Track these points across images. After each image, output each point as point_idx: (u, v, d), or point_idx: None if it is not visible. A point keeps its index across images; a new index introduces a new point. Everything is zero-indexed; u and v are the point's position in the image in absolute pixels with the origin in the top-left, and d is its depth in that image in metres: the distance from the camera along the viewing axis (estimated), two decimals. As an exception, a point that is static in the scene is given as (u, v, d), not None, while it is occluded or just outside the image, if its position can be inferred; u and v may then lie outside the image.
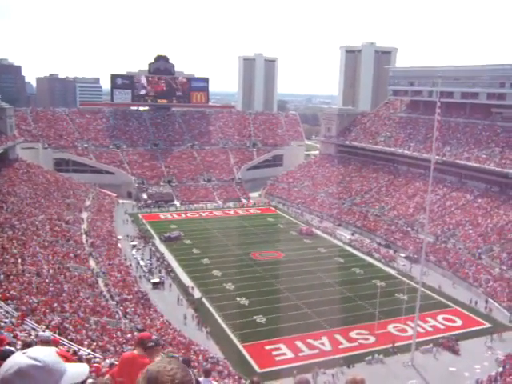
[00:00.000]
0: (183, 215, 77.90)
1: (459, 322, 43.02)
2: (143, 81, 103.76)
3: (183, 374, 2.28)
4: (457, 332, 40.78)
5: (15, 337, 15.05)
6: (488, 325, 42.46)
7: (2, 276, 31.93)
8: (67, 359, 2.50)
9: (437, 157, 55.97)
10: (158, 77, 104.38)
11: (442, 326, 42.05)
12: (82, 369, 2.57)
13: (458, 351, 37.75)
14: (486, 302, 46.28)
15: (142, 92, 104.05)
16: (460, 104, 79.72)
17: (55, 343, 13.51)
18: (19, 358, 2.29)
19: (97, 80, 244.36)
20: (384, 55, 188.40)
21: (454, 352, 37.70)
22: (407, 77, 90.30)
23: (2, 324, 18.59)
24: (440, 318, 43.55)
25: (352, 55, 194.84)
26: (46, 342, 11.23)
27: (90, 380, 7.08)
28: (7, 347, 7.78)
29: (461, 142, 75.09)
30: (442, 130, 69.85)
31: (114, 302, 39.86)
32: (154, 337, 5.87)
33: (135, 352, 5.69)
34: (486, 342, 38.95)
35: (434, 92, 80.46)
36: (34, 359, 2.29)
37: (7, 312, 23.48)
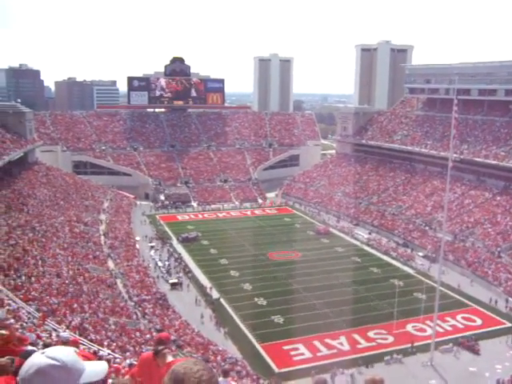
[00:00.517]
0: (200, 216, 78.20)
1: (479, 322, 42.53)
2: (159, 83, 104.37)
3: (209, 376, 2.27)
4: (477, 331, 40.32)
5: (39, 338, 15.31)
6: (509, 324, 41.92)
7: (23, 277, 32.43)
8: (87, 358, 2.57)
9: (454, 155, 55.54)
10: (174, 78, 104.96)
11: (461, 326, 41.63)
12: (101, 367, 2.60)
13: (478, 351, 37.34)
14: (507, 301, 45.71)
15: (159, 94, 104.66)
16: (478, 101, 78.85)
17: (75, 344, 13.70)
18: (38, 358, 2.33)
19: (114, 83, 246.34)
20: (400, 53, 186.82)
21: (474, 352, 37.30)
22: (423, 74, 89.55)
23: (25, 324, 18.92)
24: (459, 317, 43.10)
25: (368, 54, 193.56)
26: (65, 343, 11.42)
27: (110, 380, 7.21)
28: (29, 347, 7.95)
29: (479, 140, 74.24)
30: (459, 127, 69.00)
31: (133, 303, 40.21)
32: (172, 337, 5.98)
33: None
34: (507, 342, 38.49)
35: (450, 89, 79.75)
36: (53, 359, 2.32)
37: (29, 313, 23.86)
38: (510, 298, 45.96)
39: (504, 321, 42.67)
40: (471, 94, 77.88)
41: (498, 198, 65.04)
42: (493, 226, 59.56)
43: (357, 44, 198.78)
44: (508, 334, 39.56)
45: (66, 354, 2.41)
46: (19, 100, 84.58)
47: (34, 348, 7.92)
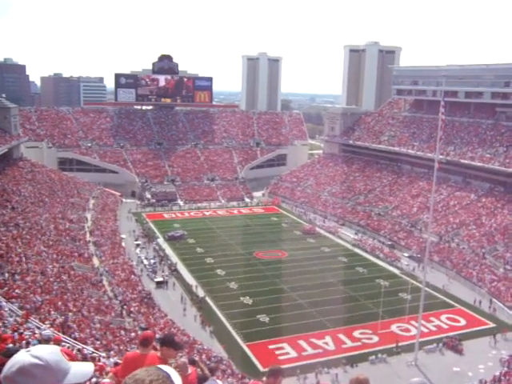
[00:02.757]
0: (187, 214, 77.96)
1: (463, 322, 42.92)
2: (147, 80, 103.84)
3: None
4: (461, 332, 40.69)
5: (20, 335, 15.10)
6: (492, 324, 42.35)
7: (6, 275, 32.01)
8: (72, 358, 2.50)
9: (441, 156, 55.95)
10: (162, 76, 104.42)
11: (445, 326, 41.96)
12: (87, 368, 2.55)
13: (461, 351, 37.68)
14: (490, 301, 46.17)
15: (146, 91, 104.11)
16: (464, 103, 79.54)
17: (57, 341, 13.53)
18: (22, 357, 2.28)
19: (101, 79, 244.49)
20: (388, 54, 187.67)
21: (457, 352, 37.62)
22: (411, 76, 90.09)
23: (7, 322, 18.65)
24: (444, 317, 43.45)
25: (356, 54, 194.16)
26: (47, 341, 11.27)
27: (94, 379, 7.11)
28: (11, 345, 7.82)
29: (465, 142, 74.89)
30: (446, 129, 69.54)
31: (118, 301, 39.93)
32: (157, 336, 5.90)
33: (138, 351, 5.70)
34: (490, 342, 38.86)
35: (438, 91, 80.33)
36: (37, 358, 2.27)
37: (12, 311, 23.55)
38: (493, 299, 46.42)
39: (488, 321, 43.11)
40: (458, 96, 78.49)
41: (483, 200, 65.65)
42: (478, 228, 60.11)
43: (345, 45, 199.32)
44: (491, 334, 39.93)
45: (50, 353, 2.35)
46: (4, 95, 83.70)
47: (16, 346, 7.78)
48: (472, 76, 77.10)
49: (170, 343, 5.41)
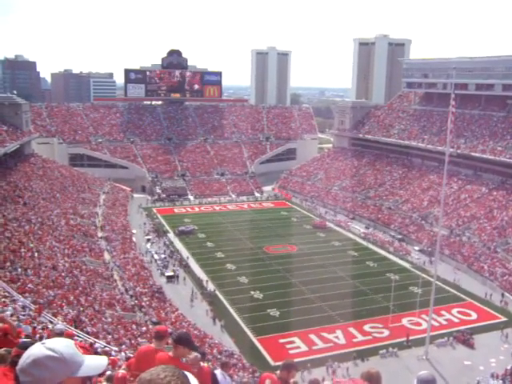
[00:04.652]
0: (197, 209, 78.16)
1: (474, 316, 42.75)
2: (156, 75, 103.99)
3: (178, 383, 2.19)
4: (472, 325, 40.52)
5: (34, 329, 15.27)
6: (503, 318, 42.15)
7: (19, 269, 32.36)
8: (87, 351, 2.54)
9: (451, 149, 55.59)
10: (171, 71, 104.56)
11: (456, 320, 41.82)
12: (101, 361, 2.58)
13: (472, 345, 37.55)
14: (502, 295, 45.90)
15: (156, 86, 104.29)
16: (475, 96, 78.87)
17: (69, 336, 13.63)
18: (37, 349, 2.32)
19: (110, 75, 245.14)
20: (397, 47, 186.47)
21: (468, 346, 37.51)
22: (421, 69, 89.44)
23: (21, 317, 18.85)
24: (455, 311, 43.30)
25: (365, 47, 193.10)
26: (60, 334, 11.35)
27: (108, 372, 7.20)
28: (25, 339, 7.91)
29: (476, 135, 74.31)
30: (456, 122, 69.05)
31: (129, 296, 40.21)
32: (169, 330, 5.94)
33: (152, 345, 5.75)
34: (502, 336, 38.67)
35: (448, 84, 79.69)
36: (52, 350, 2.31)
37: (25, 305, 23.79)
38: (505, 293, 46.16)
39: (499, 315, 42.89)
40: (468, 88, 77.85)
41: (495, 193, 65.17)
42: (489, 221, 59.70)
43: (355, 38, 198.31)
44: (503, 328, 39.72)
45: (64, 345, 2.39)
46: (15, 92, 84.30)
47: (30, 339, 7.88)
48: (482, 68, 76.38)
49: (187, 343, 5.36)
